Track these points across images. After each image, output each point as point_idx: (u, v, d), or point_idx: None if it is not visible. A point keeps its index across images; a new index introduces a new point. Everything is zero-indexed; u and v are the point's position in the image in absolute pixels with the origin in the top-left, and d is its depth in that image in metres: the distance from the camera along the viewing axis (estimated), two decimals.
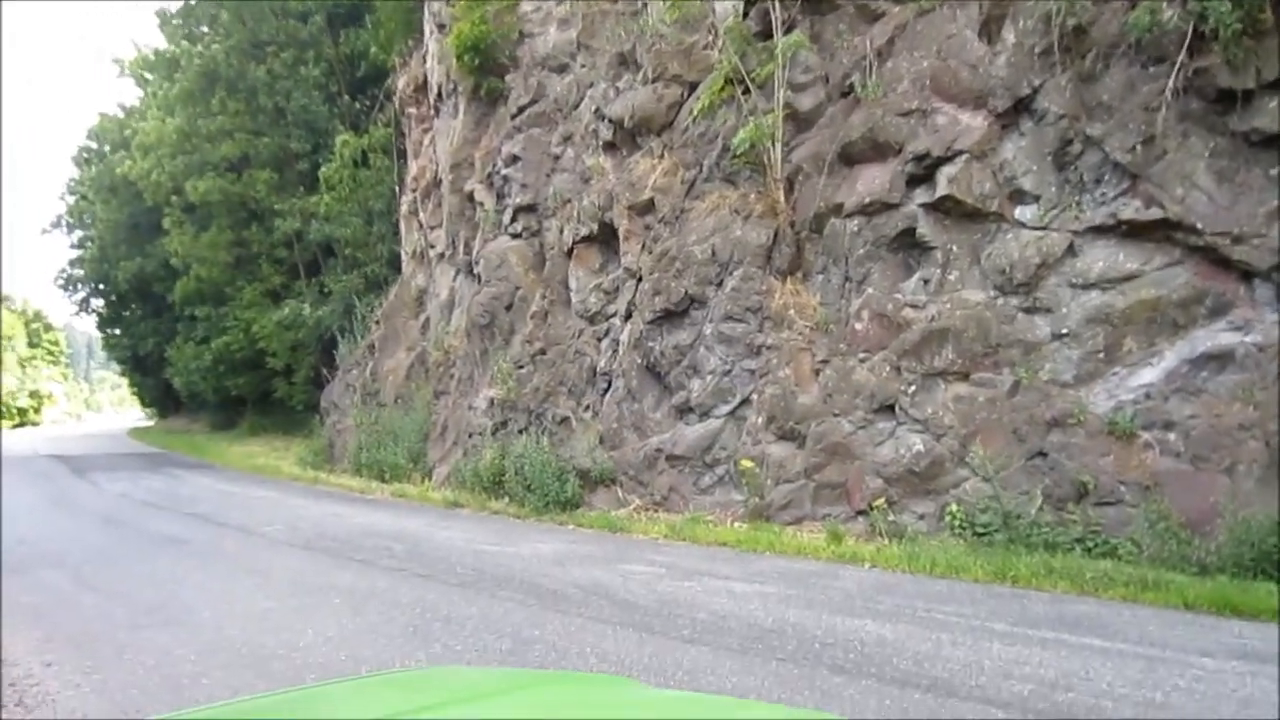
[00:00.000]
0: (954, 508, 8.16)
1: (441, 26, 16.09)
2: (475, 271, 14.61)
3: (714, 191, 10.77)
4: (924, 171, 8.90)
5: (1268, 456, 7.01)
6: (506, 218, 14.06)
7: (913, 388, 8.74)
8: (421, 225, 18.36)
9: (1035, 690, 4.45)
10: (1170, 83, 7.44)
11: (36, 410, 62.55)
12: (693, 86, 11.36)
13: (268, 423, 27.75)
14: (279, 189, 25.54)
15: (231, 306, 26.83)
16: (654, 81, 11.68)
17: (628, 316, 11.54)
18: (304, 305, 23.77)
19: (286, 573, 7.80)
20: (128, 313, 40.11)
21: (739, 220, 10.28)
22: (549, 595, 6.65)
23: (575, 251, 12.62)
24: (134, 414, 55.51)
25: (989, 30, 8.81)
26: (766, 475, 9.44)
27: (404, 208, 19.80)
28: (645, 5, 12.19)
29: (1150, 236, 7.76)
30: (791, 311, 9.71)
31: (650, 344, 10.81)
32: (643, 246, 11.40)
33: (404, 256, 19.76)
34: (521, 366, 12.87)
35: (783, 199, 10.01)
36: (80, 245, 41.64)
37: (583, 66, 13.24)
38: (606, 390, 11.67)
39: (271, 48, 25.23)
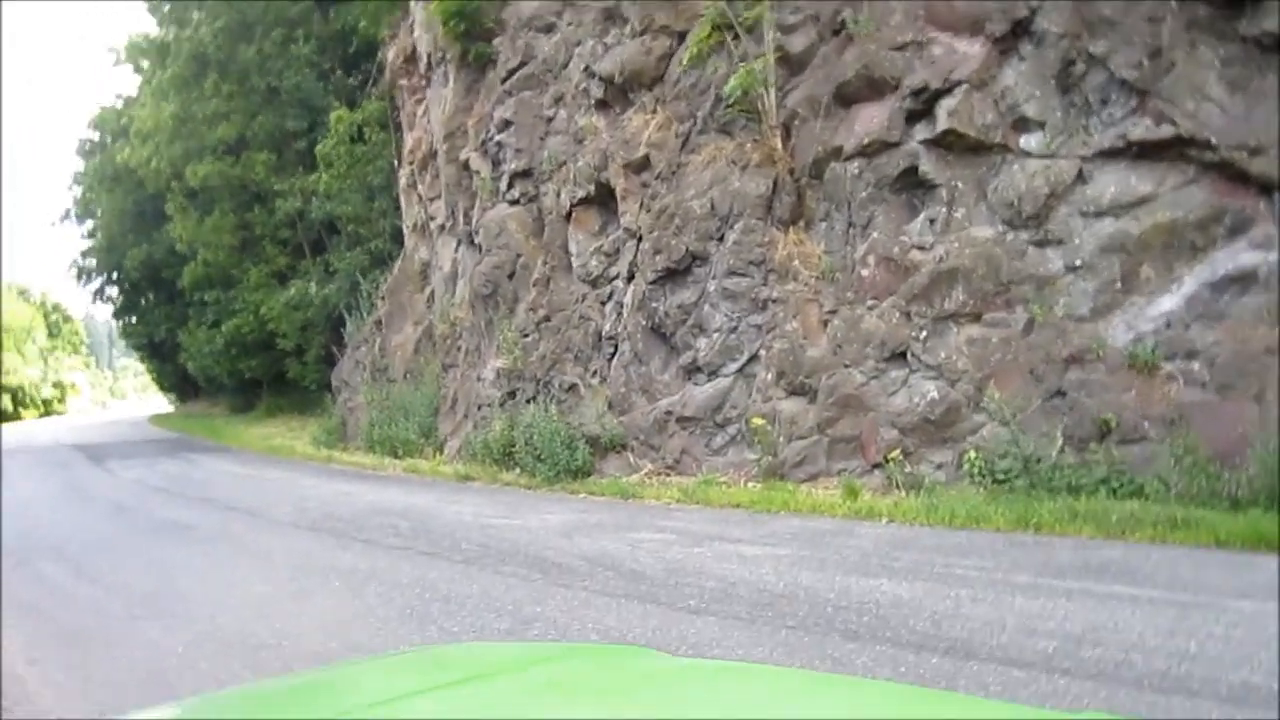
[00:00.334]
0: (972, 455, 7.86)
1: None
2: (476, 241, 14.31)
3: (710, 143, 10.41)
4: (923, 106, 8.53)
5: None
6: (503, 185, 13.72)
7: (924, 333, 8.43)
8: (421, 198, 18.03)
9: (1060, 647, 4.19)
10: None
11: (61, 400, 63.20)
12: (682, 36, 10.92)
13: (283, 403, 27.69)
14: (279, 169, 25.20)
15: (239, 289, 26.64)
16: (642, 34, 11.26)
17: (630, 278, 11.24)
18: (310, 284, 23.55)
19: (289, 555, 7.66)
20: (141, 300, 40.00)
21: (737, 171, 9.93)
22: (554, 569, 6.45)
23: (574, 215, 12.29)
24: (157, 400, 55.83)
25: None
26: (779, 432, 9.18)
27: (403, 181, 19.45)
28: None
29: (1163, 156, 7.39)
30: (796, 262, 9.39)
31: (654, 304, 10.53)
32: (641, 205, 11.08)
33: (406, 230, 19.47)
34: (526, 335, 12.62)
35: (780, 146, 9.64)
36: (90, 235, 41.58)
37: (569, 24, 12.80)
38: (613, 354, 11.41)
39: (260, 27, 24.80)
